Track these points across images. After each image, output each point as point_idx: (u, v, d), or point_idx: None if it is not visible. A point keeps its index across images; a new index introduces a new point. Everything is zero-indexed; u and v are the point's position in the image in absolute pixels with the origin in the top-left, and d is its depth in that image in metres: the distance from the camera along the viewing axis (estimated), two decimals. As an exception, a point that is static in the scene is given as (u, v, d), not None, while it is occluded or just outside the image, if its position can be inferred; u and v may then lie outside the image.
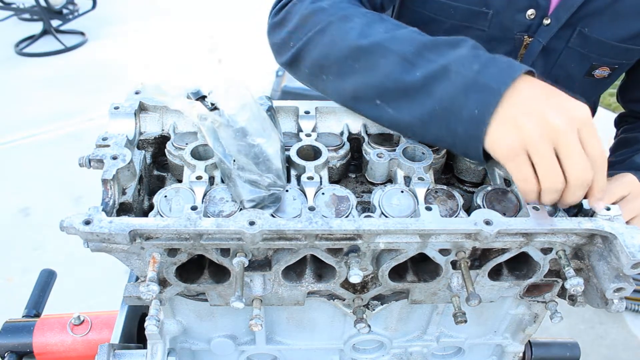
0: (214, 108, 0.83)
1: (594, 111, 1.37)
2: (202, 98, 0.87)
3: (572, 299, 0.91)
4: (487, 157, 0.82)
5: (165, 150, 0.92)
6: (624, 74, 1.30)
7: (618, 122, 1.40)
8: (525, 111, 0.76)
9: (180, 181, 0.89)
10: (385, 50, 0.86)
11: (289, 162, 0.90)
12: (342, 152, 0.93)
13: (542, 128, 0.75)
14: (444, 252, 0.82)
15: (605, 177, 0.80)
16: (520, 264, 0.89)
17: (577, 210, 0.87)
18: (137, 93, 0.95)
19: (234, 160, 0.82)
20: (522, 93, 0.78)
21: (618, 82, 1.36)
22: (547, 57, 1.17)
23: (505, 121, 0.77)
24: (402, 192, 0.87)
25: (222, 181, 0.87)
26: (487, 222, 0.77)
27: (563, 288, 0.92)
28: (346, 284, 0.88)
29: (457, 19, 1.16)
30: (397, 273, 0.87)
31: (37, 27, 6.37)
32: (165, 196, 0.83)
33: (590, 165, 0.76)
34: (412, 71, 0.84)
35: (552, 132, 0.74)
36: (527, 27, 1.13)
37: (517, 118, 0.76)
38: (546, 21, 1.11)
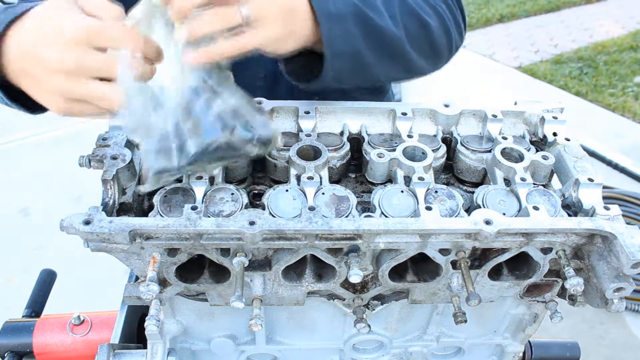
0: None
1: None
2: None
3: (572, 299, 0.91)
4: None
5: (165, 150, 0.92)
6: None
7: None
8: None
9: (180, 181, 0.89)
10: None
11: (289, 162, 0.90)
12: (342, 152, 0.93)
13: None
14: (444, 252, 0.82)
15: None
16: (520, 264, 0.89)
17: (577, 210, 0.87)
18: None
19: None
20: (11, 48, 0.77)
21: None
22: None
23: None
24: (402, 192, 0.87)
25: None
26: (487, 222, 0.77)
27: (563, 288, 0.92)
28: (346, 284, 0.88)
29: None
30: (397, 273, 0.87)
31: (37, 27, 6.35)
32: (165, 196, 0.83)
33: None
34: None
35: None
36: None
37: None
38: None
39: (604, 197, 0.87)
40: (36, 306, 1.37)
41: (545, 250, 0.84)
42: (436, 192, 0.87)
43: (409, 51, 1.01)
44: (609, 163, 3.99)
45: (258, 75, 1.18)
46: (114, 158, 0.84)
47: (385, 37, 0.95)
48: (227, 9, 0.78)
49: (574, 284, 0.78)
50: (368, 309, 0.94)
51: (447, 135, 1.01)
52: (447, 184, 0.98)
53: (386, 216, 0.83)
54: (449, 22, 1.09)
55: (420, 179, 0.86)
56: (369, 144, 0.95)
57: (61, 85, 0.74)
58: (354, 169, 0.99)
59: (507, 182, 0.90)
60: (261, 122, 0.82)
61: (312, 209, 0.77)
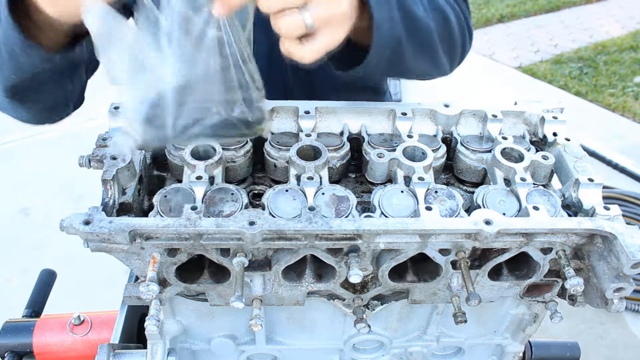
0: None
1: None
2: None
3: (572, 299, 0.91)
4: None
5: (165, 150, 0.92)
6: None
7: None
8: None
9: (180, 181, 0.89)
10: None
11: (288, 162, 0.90)
12: (342, 152, 0.93)
13: None
14: (444, 252, 0.82)
15: None
16: (520, 264, 0.89)
17: (577, 210, 0.87)
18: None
19: None
20: None
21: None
22: None
23: None
24: (402, 192, 0.87)
25: None
26: (487, 222, 0.77)
27: (563, 288, 0.92)
28: (346, 284, 0.88)
29: None
30: (397, 273, 0.87)
31: (37, 27, 6.35)
32: (165, 196, 0.83)
33: None
34: None
35: None
36: None
37: None
38: None
39: (604, 197, 0.87)
40: (36, 306, 1.37)
41: (545, 251, 0.84)
42: (436, 192, 0.87)
43: (437, 43, 1.05)
44: (609, 163, 3.99)
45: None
46: (114, 158, 0.84)
47: (420, 25, 0.99)
48: (290, 18, 0.74)
49: (574, 284, 0.79)
50: (368, 309, 0.94)
51: (447, 135, 1.01)
52: (447, 184, 0.98)
53: (386, 216, 0.83)
54: (463, 22, 1.16)
55: (420, 179, 0.86)
56: (369, 144, 0.95)
57: None
58: (354, 169, 0.99)
59: (507, 182, 0.90)
60: (257, 101, 0.77)
61: (312, 209, 0.77)
